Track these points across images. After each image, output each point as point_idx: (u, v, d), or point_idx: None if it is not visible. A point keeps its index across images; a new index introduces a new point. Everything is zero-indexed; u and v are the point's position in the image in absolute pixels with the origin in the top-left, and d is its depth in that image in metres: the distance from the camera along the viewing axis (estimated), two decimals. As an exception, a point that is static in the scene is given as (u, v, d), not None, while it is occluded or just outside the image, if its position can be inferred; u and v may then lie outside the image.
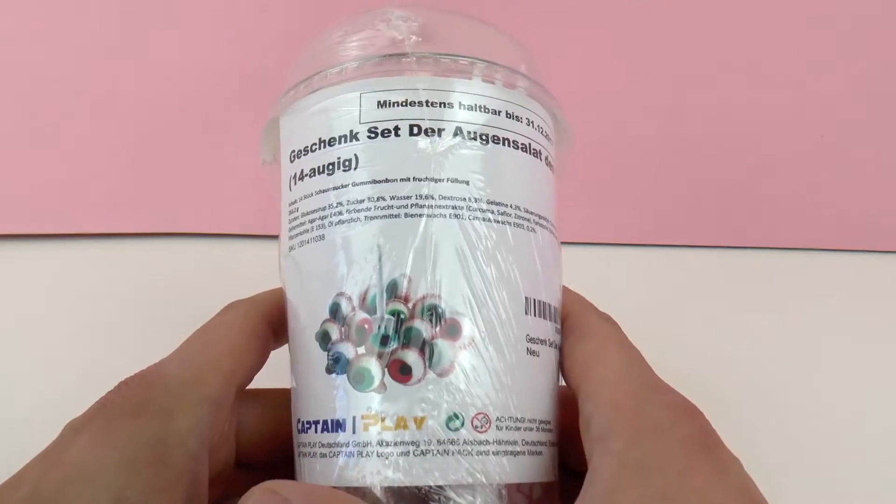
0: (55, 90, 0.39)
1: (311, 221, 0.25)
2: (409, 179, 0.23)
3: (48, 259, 0.36)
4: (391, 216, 0.23)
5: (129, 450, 0.20)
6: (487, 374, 0.23)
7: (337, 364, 0.23)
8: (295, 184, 0.25)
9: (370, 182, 0.24)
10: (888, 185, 0.45)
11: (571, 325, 0.26)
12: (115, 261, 0.37)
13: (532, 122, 0.26)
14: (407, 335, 0.23)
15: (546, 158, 0.26)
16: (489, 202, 0.24)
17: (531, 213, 0.25)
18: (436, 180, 0.24)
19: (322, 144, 0.25)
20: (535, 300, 0.24)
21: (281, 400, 0.26)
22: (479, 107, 0.24)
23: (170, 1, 0.41)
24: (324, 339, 0.24)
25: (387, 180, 0.24)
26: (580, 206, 0.41)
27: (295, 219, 0.25)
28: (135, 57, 0.40)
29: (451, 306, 0.23)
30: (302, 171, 0.25)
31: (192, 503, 0.21)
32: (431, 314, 0.23)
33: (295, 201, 0.25)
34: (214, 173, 0.37)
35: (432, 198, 0.23)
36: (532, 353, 0.24)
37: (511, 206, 0.24)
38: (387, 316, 0.23)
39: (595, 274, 0.39)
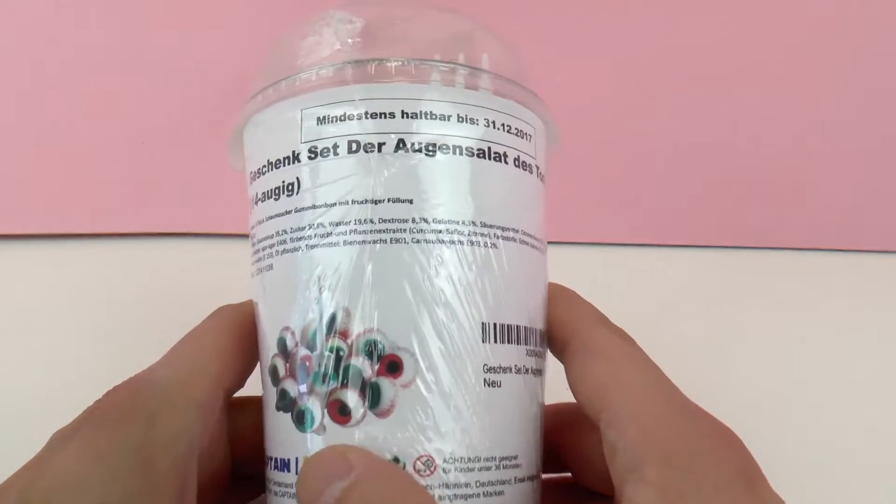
0: (55, 90, 0.39)
1: (263, 249, 0.23)
2: (347, 203, 0.22)
3: (47, 259, 0.36)
4: (331, 244, 0.22)
5: (114, 457, 0.20)
6: (431, 413, 0.21)
7: (283, 401, 0.22)
8: (253, 207, 0.24)
9: (310, 207, 0.22)
10: (888, 185, 0.44)
11: (580, 344, 0.23)
12: (114, 261, 0.36)
13: (494, 122, 0.23)
14: (346, 374, 0.21)
15: (517, 160, 0.23)
16: (435, 221, 0.22)
17: (491, 226, 0.22)
18: (375, 202, 0.22)
19: (270, 167, 0.23)
20: (495, 325, 0.22)
21: None
22: (425, 114, 0.22)
23: (170, 1, 0.40)
24: (273, 374, 0.23)
25: (325, 205, 0.22)
26: (579, 207, 0.41)
27: (253, 244, 0.24)
28: (135, 57, 0.39)
29: (392, 341, 0.21)
30: (257, 194, 0.24)
31: None
32: (371, 351, 0.21)
33: (254, 226, 0.24)
34: (214, 173, 0.37)
35: (372, 222, 0.21)
36: (491, 384, 0.22)
37: (463, 223, 0.22)
38: (326, 353, 0.21)
39: (594, 274, 0.38)
